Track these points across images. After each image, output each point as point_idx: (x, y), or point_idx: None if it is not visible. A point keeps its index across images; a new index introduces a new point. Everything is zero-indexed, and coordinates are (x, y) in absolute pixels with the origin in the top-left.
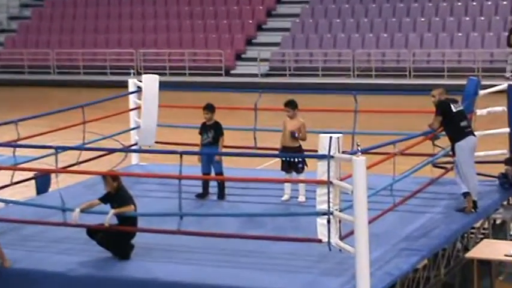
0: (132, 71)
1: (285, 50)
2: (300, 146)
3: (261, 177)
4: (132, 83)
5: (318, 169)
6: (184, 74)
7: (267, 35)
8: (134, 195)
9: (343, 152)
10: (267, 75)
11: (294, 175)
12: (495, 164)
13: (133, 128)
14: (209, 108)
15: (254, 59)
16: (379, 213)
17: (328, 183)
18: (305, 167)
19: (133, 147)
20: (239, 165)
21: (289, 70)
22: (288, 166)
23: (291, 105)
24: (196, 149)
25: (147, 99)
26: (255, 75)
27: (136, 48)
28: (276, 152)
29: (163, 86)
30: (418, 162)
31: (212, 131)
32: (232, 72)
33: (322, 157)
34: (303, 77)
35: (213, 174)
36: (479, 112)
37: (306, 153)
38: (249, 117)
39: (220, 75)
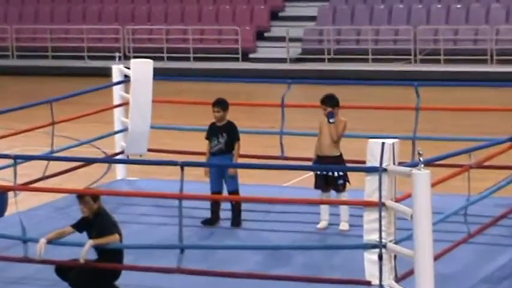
0: (117, 54)
1: (323, 27)
2: (341, 155)
3: (289, 198)
4: (117, 70)
5: (365, 187)
6: (188, 58)
7: (298, 6)
8: (119, 220)
9: (400, 164)
10: (298, 60)
11: (333, 195)
12: None
13: (119, 131)
14: (220, 104)
15: (281, 39)
16: (449, 247)
17: (379, 205)
18: (347, 183)
19: (118, 157)
20: (260, 181)
21: (329, 53)
22: (325, 183)
23: (330, 101)
24: (203, 159)
25: (137, 92)
26: (283, 60)
27: (122, 23)
28: (309, 164)
29: (159, 74)
30: (502, 177)
31: (224, 135)
32: (252, 56)
33: (371, 170)
34: (347, 63)
35: (225, 193)
36: None
37: (349, 164)
38: (273, 117)
39: (236, 60)
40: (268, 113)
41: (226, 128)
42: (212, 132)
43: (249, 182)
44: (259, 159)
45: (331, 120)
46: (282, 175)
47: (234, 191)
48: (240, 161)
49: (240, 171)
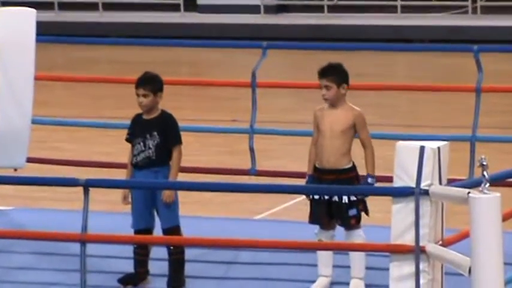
0: None
1: None
2: (355, 168)
3: (266, 240)
4: None
5: (392, 220)
6: (94, 5)
7: None
8: None
9: (450, 182)
10: (277, 8)
11: (339, 234)
12: None
13: None
14: (148, 83)
15: None
16: None
17: (415, 251)
18: (362, 215)
19: None
20: (217, 211)
21: None
22: (328, 213)
23: (333, 74)
24: (122, 174)
25: (8, 63)
26: (253, 10)
27: None
28: (302, 183)
29: (46, 32)
30: None
31: (155, 135)
32: (202, 2)
33: (402, 193)
34: (357, 14)
35: (158, 231)
36: None
37: (370, 180)
38: (237, 104)
39: (176, 8)
40: (230, 97)
41: (158, 123)
42: (136, 130)
43: (198, 214)
44: (215, 174)
45: (369, 180)
46: (253, 202)
47: (172, 229)
48: (182, 177)
49: (183, 196)
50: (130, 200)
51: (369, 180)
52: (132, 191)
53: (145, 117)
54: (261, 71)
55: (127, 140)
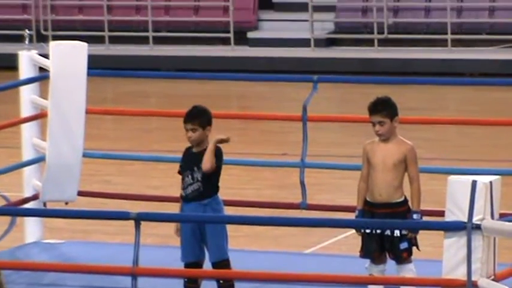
0: (27, 32)
1: None
2: (406, 202)
3: (317, 274)
4: (26, 59)
5: (444, 255)
6: (145, 39)
7: None
8: None
9: (502, 216)
10: (328, 42)
11: (390, 267)
12: None
13: (30, 163)
14: (196, 117)
15: (300, 7)
16: None
17: (468, 286)
18: (415, 249)
19: (29, 206)
20: (266, 245)
21: (380, 32)
22: (379, 247)
23: (386, 109)
24: (172, 207)
25: (60, 96)
26: (304, 43)
27: None
28: (352, 217)
29: (98, 65)
30: None
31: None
32: (252, 36)
33: (454, 228)
34: (410, 48)
35: (207, 265)
36: None
37: (415, 216)
38: (287, 138)
39: (226, 42)
40: (279, 131)
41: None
42: (185, 163)
43: (247, 247)
44: (265, 208)
45: (414, 216)
46: (303, 235)
47: (221, 262)
48: (232, 211)
49: (233, 230)
50: (180, 233)
51: (414, 216)
52: (181, 224)
53: (194, 150)
54: (310, 104)
55: (179, 172)
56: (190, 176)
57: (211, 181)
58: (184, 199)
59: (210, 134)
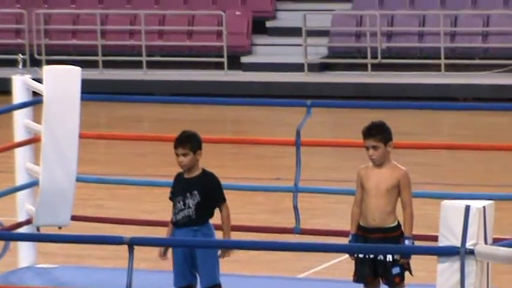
0: (20, 56)
1: (364, 11)
2: (400, 227)
3: None
4: (20, 83)
5: (437, 280)
6: (138, 64)
7: None
8: None
9: (495, 241)
10: (322, 66)
11: None
12: None
13: (23, 187)
14: (187, 141)
15: (294, 31)
16: None
17: None
18: (405, 274)
19: (22, 230)
20: (258, 270)
21: (374, 56)
22: (372, 272)
23: (379, 134)
24: (163, 232)
25: (54, 120)
26: (297, 68)
27: (29, 6)
28: (346, 242)
29: (91, 90)
30: None
31: (196, 193)
32: (246, 60)
33: (447, 253)
34: (403, 72)
35: None
36: None
37: (407, 242)
38: (281, 163)
39: (219, 67)
40: (273, 155)
41: (199, 182)
42: (177, 188)
43: (242, 272)
44: (258, 232)
45: (406, 242)
46: (297, 260)
47: (212, 287)
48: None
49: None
50: (167, 256)
51: (406, 242)
52: (173, 249)
53: (186, 176)
54: (304, 128)
55: (170, 198)
56: (182, 202)
57: (204, 208)
58: (175, 224)
59: (201, 159)
